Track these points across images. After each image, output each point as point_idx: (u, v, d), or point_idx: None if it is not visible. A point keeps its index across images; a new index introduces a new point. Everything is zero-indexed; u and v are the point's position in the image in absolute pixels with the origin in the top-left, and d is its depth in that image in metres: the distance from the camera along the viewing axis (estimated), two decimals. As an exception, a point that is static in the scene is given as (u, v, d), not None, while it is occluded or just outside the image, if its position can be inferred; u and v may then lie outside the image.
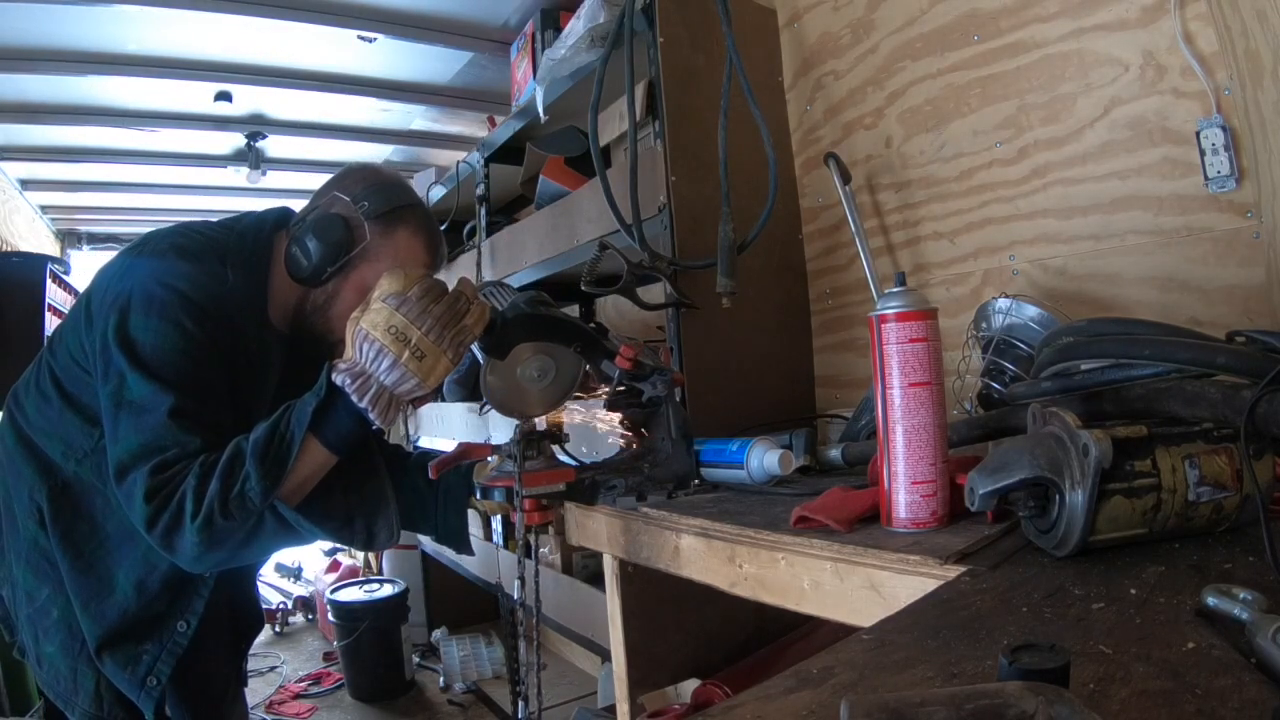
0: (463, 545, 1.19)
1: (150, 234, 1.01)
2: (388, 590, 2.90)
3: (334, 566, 3.59)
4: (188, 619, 1.01)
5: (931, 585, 0.63)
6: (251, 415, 0.92)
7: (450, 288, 0.91)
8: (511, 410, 1.03)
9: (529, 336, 0.98)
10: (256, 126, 2.78)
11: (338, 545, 1.07)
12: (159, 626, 0.99)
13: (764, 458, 1.04)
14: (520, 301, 0.99)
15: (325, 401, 0.88)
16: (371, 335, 0.86)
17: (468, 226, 2.42)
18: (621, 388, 1.07)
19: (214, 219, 1.09)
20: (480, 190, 2.26)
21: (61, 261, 3.52)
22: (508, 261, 2.01)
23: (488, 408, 1.03)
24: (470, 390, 2.34)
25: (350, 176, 1.07)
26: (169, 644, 0.99)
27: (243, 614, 1.21)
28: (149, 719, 0.98)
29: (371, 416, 0.88)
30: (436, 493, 1.17)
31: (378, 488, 1.03)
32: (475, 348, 0.98)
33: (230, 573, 1.07)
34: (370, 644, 2.75)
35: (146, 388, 0.89)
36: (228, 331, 0.97)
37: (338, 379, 0.87)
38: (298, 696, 2.83)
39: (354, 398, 0.87)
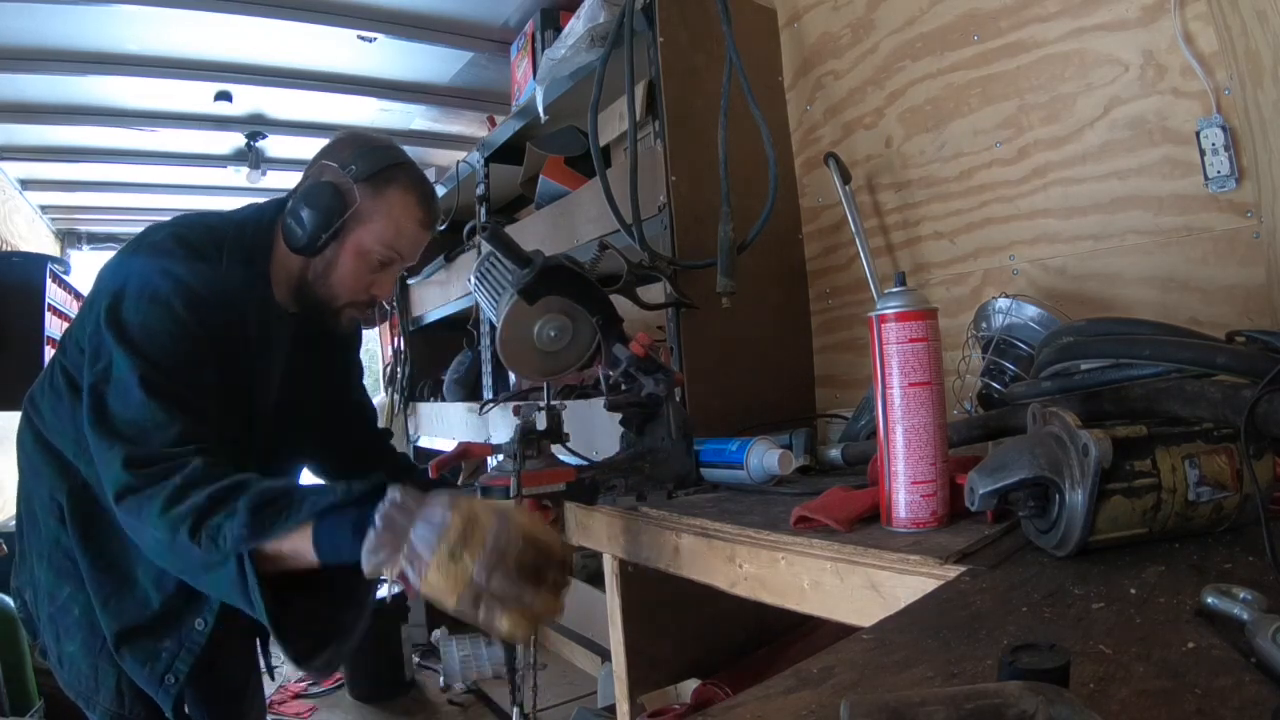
0: None
1: (150, 227, 1.02)
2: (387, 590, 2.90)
3: (334, 566, 3.59)
4: (205, 616, 1.01)
5: (931, 585, 0.63)
6: (253, 394, 0.92)
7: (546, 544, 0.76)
8: (514, 364, 1.03)
9: (562, 290, 0.97)
10: (256, 126, 2.79)
11: (407, 467, 1.03)
12: (177, 623, 1.00)
13: (764, 458, 1.04)
14: (562, 256, 0.99)
15: (346, 505, 0.79)
16: (444, 528, 0.72)
17: (468, 226, 2.42)
18: (624, 387, 1.07)
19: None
20: (480, 190, 2.26)
21: (61, 261, 3.52)
22: (508, 261, 2.01)
23: (488, 408, 1.03)
24: (470, 390, 2.34)
25: (337, 144, 1.08)
26: (187, 641, 1.00)
27: None
28: (168, 715, 0.99)
29: (365, 547, 0.75)
30: None
31: (352, 621, 0.95)
32: (506, 290, 0.94)
33: None
34: (370, 644, 2.75)
35: (132, 367, 0.87)
36: (224, 316, 0.97)
37: (380, 509, 0.76)
38: (298, 696, 2.83)
39: (374, 527, 0.75)
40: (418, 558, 0.73)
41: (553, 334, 1.01)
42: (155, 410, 0.86)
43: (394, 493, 0.77)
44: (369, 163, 1.04)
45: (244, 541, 0.78)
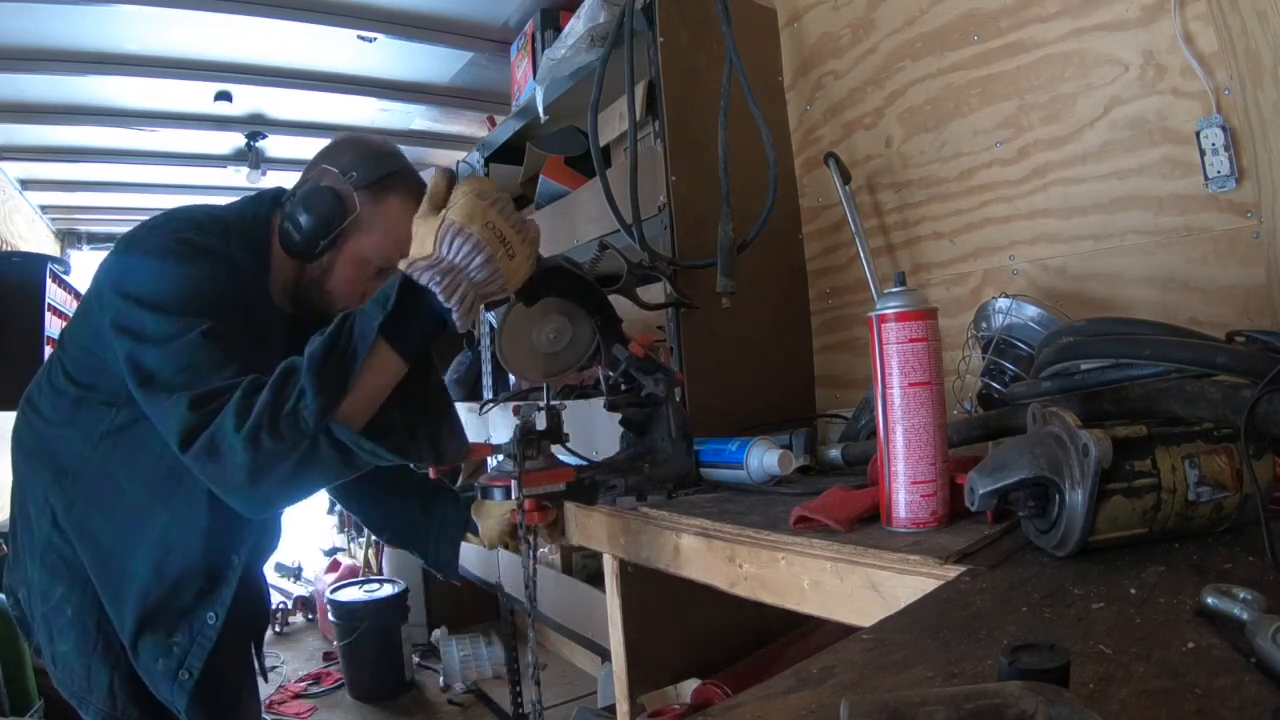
0: (452, 574, 1.19)
1: (150, 219, 0.99)
2: (388, 590, 2.90)
3: (334, 566, 3.59)
4: (216, 610, 1.01)
5: (931, 585, 0.63)
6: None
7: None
8: (514, 367, 1.02)
9: (560, 291, 0.97)
10: (256, 126, 2.79)
11: (405, 462, 1.00)
12: (188, 617, 1.00)
13: (764, 458, 1.04)
14: (559, 257, 0.99)
15: (400, 303, 0.80)
16: (467, 229, 0.79)
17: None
18: (624, 386, 1.07)
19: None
20: (480, 190, 2.25)
21: (61, 261, 3.52)
22: (508, 261, 2.01)
23: (488, 408, 1.03)
24: (470, 390, 2.34)
25: (338, 148, 1.06)
26: (199, 636, 1.00)
27: (257, 609, 1.21)
28: (182, 712, 0.98)
29: (455, 317, 0.81)
30: (431, 522, 1.18)
31: (437, 398, 0.95)
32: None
33: (247, 565, 1.08)
34: (370, 644, 2.75)
35: (173, 325, 0.85)
36: (241, 295, 0.96)
37: (422, 278, 0.80)
38: (298, 696, 2.83)
39: (440, 296, 0.80)
40: (495, 278, 0.82)
41: (552, 336, 1.01)
42: (212, 349, 0.84)
43: (419, 265, 0.81)
44: (370, 169, 1.03)
45: (326, 410, 0.78)
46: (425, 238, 0.81)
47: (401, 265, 0.82)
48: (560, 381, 1.10)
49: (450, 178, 0.84)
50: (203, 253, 0.93)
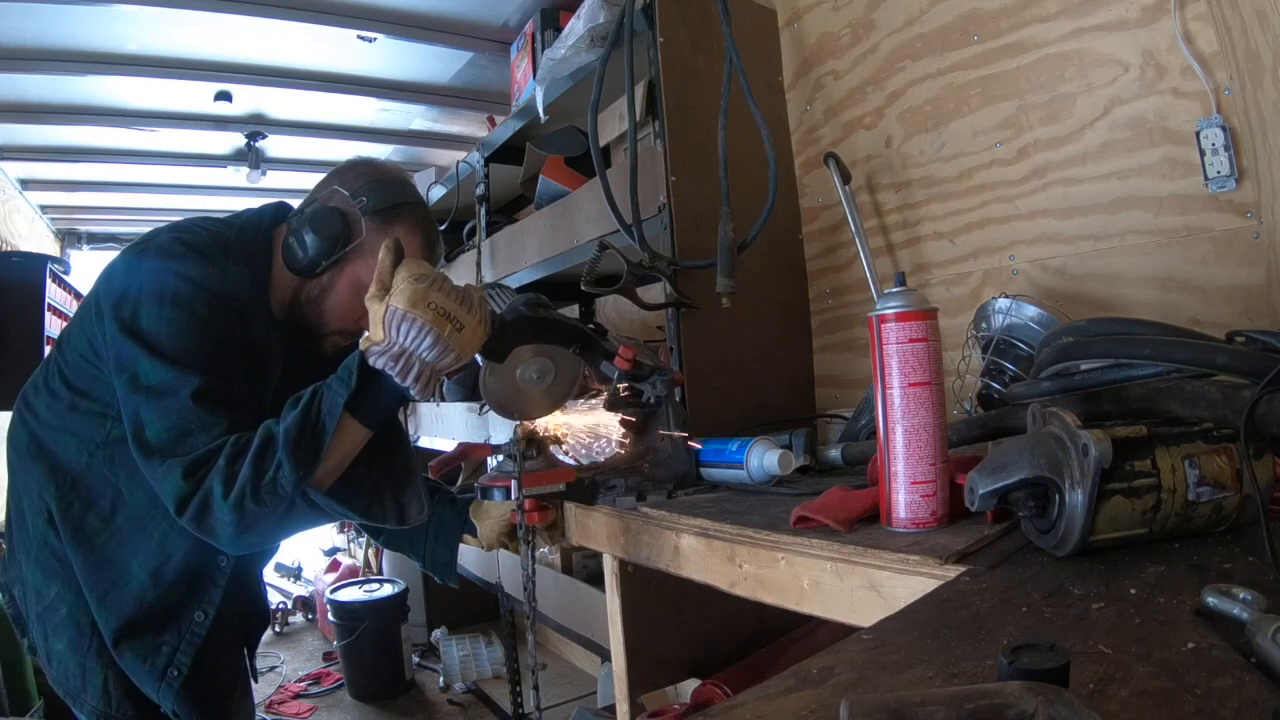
0: (450, 576, 1.20)
1: (152, 232, 1.01)
2: (388, 590, 2.90)
3: (334, 566, 3.59)
4: (205, 609, 1.02)
5: (931, 585, 0.63)
6: (260, 407, 0.92)
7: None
8: (512, 413, 1.03)
9: (528, 339, 0.98)
10: (256, 126, 2.79)
11: (369, 524, 1.04)
12: (177, 617, 1.00)
13: (764, 458, 1.04)
14: (519, 304, 0.99)
15: (361, 387, 0.87)
16: (411, 314, 0.84)
17: (468, 226, 2.42)
18: (624, 389, 1.07)
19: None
20: (480, 190, 2.26)
21: (61, 261, 3.52)
22: (508, 261, 2.01)
23: (488, 409, 1.03)
24: (470, 390, 2.34)
25: (351, 170, 1.07)
26: (187, 634, 1.00)
27: (251, 610, 1.22)
28: (170, 710, 0.99)
29: (413, 394, 0.88)
30: (429, 524, 1.18)
31: (404, 461, 1.01)
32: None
33: (241, 568, 1.08)
34: (370, 644, 2.75)
35: (166, 373, 0.89)
36: (237, 321, 0.98)
37: (378, 363, 0.86)
38: (297, 696, 2.83)
39: (396, 379, 0.86)
40: (446, 353, 0.86)
41: (535, 376, 1.02)
42: (200, 413, 0.88)
43: (374, 350, 0.86)
44: (379, 197, 1.04)
45: (302, 480, 0.86)
46: (376, 323, 0.86)
47: (361, 345, 0.87)
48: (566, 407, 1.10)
49: (398, 254, 0.88)
50: (200, 283, 0.95)
